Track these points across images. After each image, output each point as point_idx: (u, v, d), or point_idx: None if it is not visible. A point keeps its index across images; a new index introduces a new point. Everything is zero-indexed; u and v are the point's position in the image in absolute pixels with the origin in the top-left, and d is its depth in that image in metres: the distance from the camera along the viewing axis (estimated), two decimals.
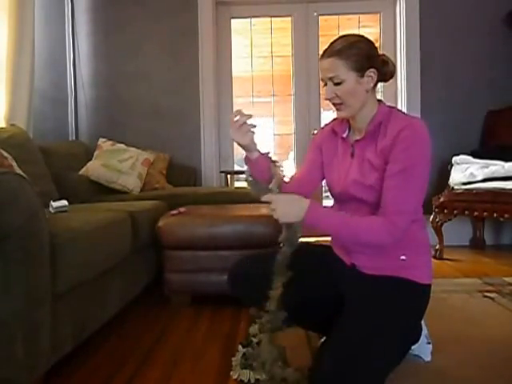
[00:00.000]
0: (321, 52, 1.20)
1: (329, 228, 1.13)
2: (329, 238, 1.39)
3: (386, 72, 1.18)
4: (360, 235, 1.11)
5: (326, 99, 1.19)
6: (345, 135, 1.27)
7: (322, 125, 1.44)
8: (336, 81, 1.13)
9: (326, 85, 1.17)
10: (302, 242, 1.21)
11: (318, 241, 2.91)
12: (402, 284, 1.15)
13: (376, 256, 1.18)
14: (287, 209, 1.11)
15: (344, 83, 1.13)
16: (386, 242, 1.11)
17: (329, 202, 1.69)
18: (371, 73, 1.14)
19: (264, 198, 1.13)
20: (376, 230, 1.09)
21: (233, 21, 3.42)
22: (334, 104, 1.18)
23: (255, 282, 1.24)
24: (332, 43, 1.16)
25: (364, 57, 1.13)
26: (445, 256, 2.75)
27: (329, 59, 1.13)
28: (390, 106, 1.21)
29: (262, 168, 1.25)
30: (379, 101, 1.22)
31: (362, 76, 1.14)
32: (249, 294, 1.32)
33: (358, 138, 1.22)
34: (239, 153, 3.98)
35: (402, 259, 1.16)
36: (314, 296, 1.26)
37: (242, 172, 3.63)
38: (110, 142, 2.76)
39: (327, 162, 1.31)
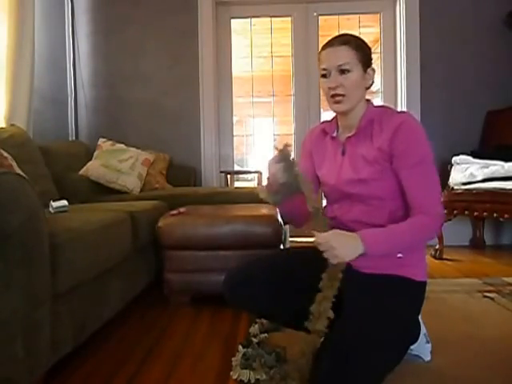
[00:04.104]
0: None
1: (388, 250, 1.12)
2: None
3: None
4: (415, 239, 1.13)
5: (329, 88, 1.17)
6: (335, 134, 1.29)
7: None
8: (345, 67, 1.14)
9: (325, 76, 1.17)
10: (295, 247, 1.21)
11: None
12: (400, 282, 1.16)
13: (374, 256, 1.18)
14: (345, 248, 1.05)
15: (351, 73, 1.15)
16: (436, 233, 1.26)
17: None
18: (371, 71, 1.20)
19: (320, 238, 1.05)
20: (426, 229, 1.12)
21: (233, 21, 3.42)
22: (335, 96, 1.17)
23: (252, 293, 1.25)
24: (337, 37, 1.19)
25: (368, 54, 1.19)
26: (445, 256, 2.75)
27: (341, 47, 1.15)
28: (377, 105, 1.26)
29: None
30: (367, 100, 1.26)
31: (365, 71, 1.18)
32: (247, 305, 1.33)
33: (349, 135, 1.24)
34: (239, 153, 3.98)
35: (399, 257, 1.17)
36: (312, 300, 1.26)
37: (241, 172, 3.63)
38: (110, 142, 2.76)
39: (318, 163, 1.33)
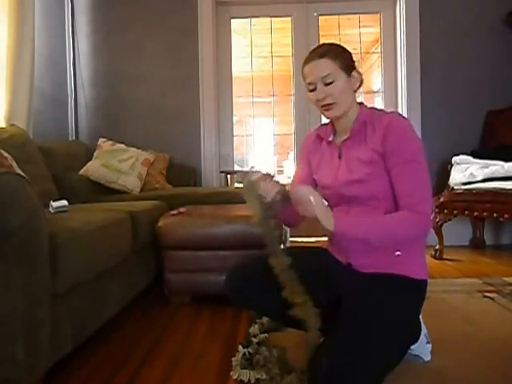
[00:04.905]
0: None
1: (360, 232, 1.11)
2: (325, 239, 1.40)
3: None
4: (396, 233, 1.11)
5: (317, 100, 1.20)
6: (330, 138, 1.31)
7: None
8: (328, 80, 1.17)
9: (312, 90, 1.21)
10: (296, 246, 1.22)
11: (316, 241, 2.91)
12: (399, 280, 1.16)
13: (372, 253, 1.19)
14: (320, 210, 1.08)
15: (336, 82, 1.18)
16: (422, 233, 1.13)
17: None
18: (355, 73, 1.22)
19: (307, 192, 1.08)
20: (411, 225, 1.10)
21: (233, 21, 3.42)
22: (325, 105, 1.20)
23: (254, 290, 1.25)
24: (315, 49, 1.22)
25: (347, 58, 1.21)
26: (445, 256, 2.75)
27: (320, 60, 1.18)
28: (370, 108, 1.28)
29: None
30: (359, 103, 1.28)
31: (349, 76, 1.20)
32: (248, 303, 1.32)
33: (344, 138, 1.26)
34: (239, 153, 3.98)
35: (398, 255, 1.18)
36: (312, 298, 1.26)
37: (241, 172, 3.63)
38: (110, 142, 2.76)
39: (316, 167, 1.35)
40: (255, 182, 1.13)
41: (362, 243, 1.13)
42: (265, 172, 1.14)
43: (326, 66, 1.17)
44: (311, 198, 1.06)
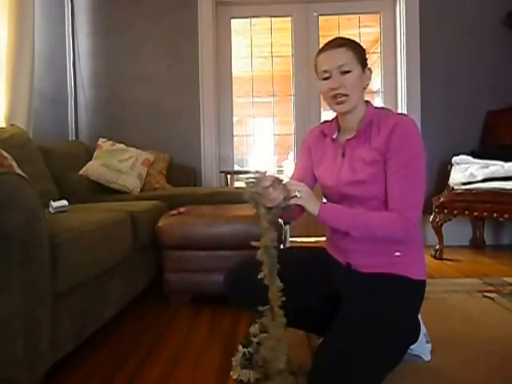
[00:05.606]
0: None
1: (342, 222, 1.15)
2: (324, 239, 1.40)
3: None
4: (374, 230, 1.13)
5: (331, 89, 1.17)
6: (335, 136, 1.29)
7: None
8: (345, 69, 1.16)
9: (327, 78, 1.18)
10: (295, 246, 1.22)
11: (316, 241, 2.91)
12: (397, 280, 1.16)
13: (371, 254, 1.19)
14: (310, 198, 1.14)
15: (351, 73, 1.16)
16: (400, 237, 1.14)
17: None
18: (368, 71, 1.21)
19: (294, 185, 1.15)
20: (391, 226, 1.12)
21: (233, 21, 3.42)
22: (337, 96, 1.17)
23: (253, 289, 1.24)
24: (332, 41, 1.21)
25: (364, 55, 1.21)
26: (445, 256, 2.75)
27: (340, 48, 1.17)
28: (377, 107, 1.26)
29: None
30: (366, 101, 1.26)
31: (363, 71, 1.20)
32: (247, 302, 1.32)
33: (349, 137, 1.24)
34: (239, 153, 3.98)
35: (397, 255, 1.18)
36: (311, 299, 1.26)
37: (241, 172, 3.63)
38: (110, 142, 2.76)
39: (317, 163, 1.34)
40: (263, 189, 1.11)
41: (344, 232, 1.17)
42: (274, 176, 1.12)
43: (345, 55, 1.16)
44: (297, 190, 1.12)
